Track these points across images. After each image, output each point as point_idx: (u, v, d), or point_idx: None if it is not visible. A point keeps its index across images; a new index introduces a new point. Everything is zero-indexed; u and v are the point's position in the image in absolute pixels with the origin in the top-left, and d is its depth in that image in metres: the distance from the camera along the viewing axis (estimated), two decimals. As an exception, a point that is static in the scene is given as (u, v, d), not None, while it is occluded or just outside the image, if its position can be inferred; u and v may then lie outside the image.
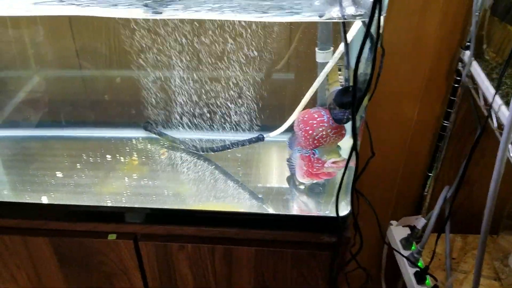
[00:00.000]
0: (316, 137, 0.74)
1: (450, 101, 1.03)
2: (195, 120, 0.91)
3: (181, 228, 0.84)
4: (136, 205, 0.84)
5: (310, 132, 0.74)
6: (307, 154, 0.77)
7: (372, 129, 0.78)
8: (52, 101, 1.02)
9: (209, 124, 0.91)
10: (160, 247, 0.85)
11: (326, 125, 0.73)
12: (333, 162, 0.74)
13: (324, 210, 0.80)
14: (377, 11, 0.52)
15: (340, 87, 0.70)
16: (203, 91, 0.88)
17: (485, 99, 0.87)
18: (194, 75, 0.87)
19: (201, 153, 0.95)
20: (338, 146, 0.76)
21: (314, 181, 0.84)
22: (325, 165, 0.75)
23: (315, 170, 0.77)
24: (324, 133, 0.73)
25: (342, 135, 0.74)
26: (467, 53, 0.94)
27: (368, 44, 0.58)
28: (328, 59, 0.78)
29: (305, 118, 0.75)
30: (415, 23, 0.97)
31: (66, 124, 1.03)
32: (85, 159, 0.94)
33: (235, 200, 0.86)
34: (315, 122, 0.74)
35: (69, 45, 0.94)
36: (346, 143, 0.79)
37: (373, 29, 0.54)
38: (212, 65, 0.84)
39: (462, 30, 0.97)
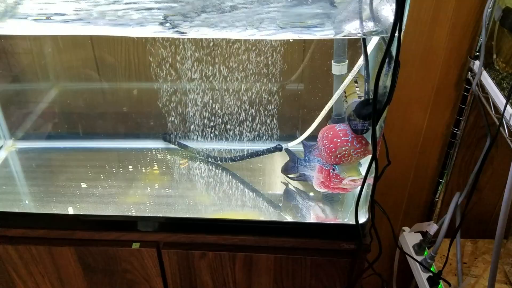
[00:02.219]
0: (339, 156, 0.75)
1: (460, 109, 1.06)
2: (213, 131, 0.94)
3: (202, 236, 0.86)
4: (159, 214, 0.86)
5: (333, 150, 0.75)
6: (326, 168, 0.78)
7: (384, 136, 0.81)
8: (74, 113, 1.04)
9: (227, 134, 0.94)
10: (182, 255, 0.87)
11: (349, 145, 0.74)
12: (352, 180, 0.76)
13: (343, 218, 0.83)
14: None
15: (359, 99, 0.72)
16: (221, 102, 0.91)
17: (496, 108, 0.90)
18: (212, 86, 0.89)
19: (220, 163, 0.97)
20: (359, 162, 0.78)
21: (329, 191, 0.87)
22: (343, 181, 0.76)
23: (332, 184, 0.78)
24: (346, 152, 0.74)
25: (365, 154, 0.75)
26: (477, 62, 0.97)
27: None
28: (344, 71, 0.81)
29: (329, 135, 0.76)
30: (425, 33, 1.00)
31: (88, 135, 1.05)
32: (108, 169, 0.97)
33: (255, 209, 0.88)
34: (339, 140, 0.74)
35: (89, 57, 0.97)
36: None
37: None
38: (230, 77, 0.87)
39: (471, 40, 1.00)
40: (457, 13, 0.97)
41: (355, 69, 0.72)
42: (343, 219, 0.83)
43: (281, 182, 0.94)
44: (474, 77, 0.98)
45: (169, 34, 0.67)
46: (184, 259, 0.88)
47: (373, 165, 0.66)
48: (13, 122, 1.04)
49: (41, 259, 0.89)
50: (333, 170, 0.77)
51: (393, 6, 0.54)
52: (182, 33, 0.67)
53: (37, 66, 1.00)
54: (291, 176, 0.91)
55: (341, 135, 0.75)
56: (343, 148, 0.74)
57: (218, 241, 0.86)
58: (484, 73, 0.94)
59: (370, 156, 0.68)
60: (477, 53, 0.97)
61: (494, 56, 0.92)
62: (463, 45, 1.01)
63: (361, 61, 0.70)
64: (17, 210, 0.88)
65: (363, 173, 0.74)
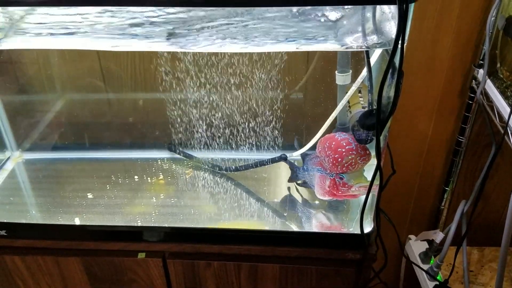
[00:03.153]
0: (346, 165, 0.75)
1: (464, 117, 1.06)
2: (218, 141, 0.95)
3: (207, 246, 0.86)
4: (164, 225, 0.87)
5: (340, 159, 0.75)
6: (331, 177, 0.78)
7: (389, 144, 0.81)
8: (80, 123, 1.05)
9: (232, 144, 0.95)
10: (187, 264, 0.88)
11: (355, 153, 0.75)
12: (361, 187, 0.76)
13: (348, 227, 0.83)
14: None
15: (363, 109, 0.73)
16: (226, 112, 0.91)
17: (500, 116, 0.90)
18: (217, 96, 0.90)
19: (225, 172, 0.98)
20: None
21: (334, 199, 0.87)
22: (352, 189, 0.76)
23: (340, 192, 0.78)
24: (353, 161, 0.75)
25: (369, 159, 0.76)
26: (481, 71, 0.97)
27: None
28: (347, 81, 0.81)
29: (332, 145, 0.76)
30: (429, 41, 1.00)
31: (94, 145, 1.06)
32: (114, 179, 0.98)
33: (259, 218, 0.88)
34: (344, 150, 0.75)
35: (95, 67, 0.98)
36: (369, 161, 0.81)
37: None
38: (234, 88, 0.88)
39: (474, 48, 1.00)
40: (461, 22, 0.97)
41: (359, 79, 0.72)
42: (348, 229, 0.83)
43: (286, 191, 0.94)
44: (478, 85, 0.98)
45: (172, 48, 0.68)
46: (190, 269, 0.88)
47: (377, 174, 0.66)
48: (20, 133, 1.05)
49: (48, 269, 0.90)
50: (341, 179, 0.77)
51: (396, 19, 0.55)
52: (184, 46, 0.68)
53: (43, 77, 1.01)
54: (299, 183, 0.92)
55: (344, 144, 0.75)
56: (349, 157, 0.75)
57: (223, 250, 0.86)
58: (488, 82, 0.94)
59: (375, 164, 0.69)
60: (481, 62, 0.97)
61: (498, 65, 0.93)
62: (466, 54, 1.01)
63: (365, 72, 0.71)
64: (24, 221, 0.89)
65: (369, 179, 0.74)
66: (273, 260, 0.85)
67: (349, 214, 0.87)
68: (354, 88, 0.74)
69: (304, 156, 0.88)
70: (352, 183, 0.76)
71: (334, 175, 0.78)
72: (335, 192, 0.79)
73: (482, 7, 0.95)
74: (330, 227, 0.85)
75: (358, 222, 0.76)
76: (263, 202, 0.92)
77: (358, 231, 0.78)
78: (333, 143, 0.76)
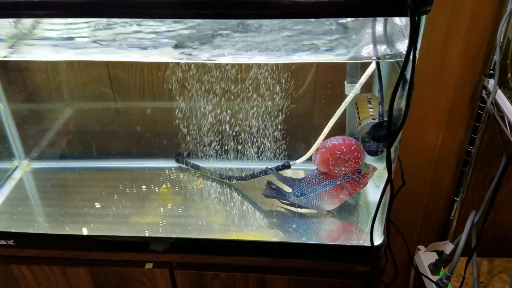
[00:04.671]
0: (361, 156, 0.80)
1: (474, 127, 1.05)
2: (224, 150, 0.94)
3: (215, 257, 0.86)
4: (172, 235, 0.86)
5: (359, 155, 0.79)
6: (348, 179, 0.82)
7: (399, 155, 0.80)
8: (88, 132, 1.05)
9: (237, 153, 0.94)
10: (194, 275, 0.87)
11: (355, 145, 0.79)
12: (373, 169, 0.81)
13: (358, 240, 0.82)
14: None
15: (373, 121, 0.72)
16: (232, 122, 0.91)
17: (511, 126, 0.89)
18: (225, 106, 0.90)
19: (231, 182, 0.97)
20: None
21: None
22: (368, 175, 0.81)
23: (361, 185, 0.82)
24: (360, 150, 0.79)
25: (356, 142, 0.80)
26: (491, 81, 0.96)
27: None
28: (356, 91, 0.81)
29: (343, 150, 0.79)
30: (439, 51, 0.99)
31: (102, 155, 1.06)
32: (121, 189, 0.97)
33: (267, 229, 0.87)
34: (354, 145, 0.79)
35: (104, 76, 0.98)
36: (380, 173, 0.81)
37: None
38: (240, 98, 0.87)
39: (484, 58, 0.99)
40: (471, 31, 0.96)
41: (357, 86, 0.72)
42: (358, 241, 0.82)
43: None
44: (488, 95, 0.97)
45: (181, 59, 0.68)
46: (197, 279, 0.87)
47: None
48: (28, 142, 1.06)
49: (55, 279, 0.89)
50: (359, 172, 0.81)
51: (407, 30, 0.55)
52: (192, 56, 0.67)
53: (52, 87, 1.01)
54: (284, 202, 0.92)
55: (347, 143, 0.79)
56: (359, 149, 0.79)
57: (230, 261, 0.86)
58: (499, 92, 0.93)
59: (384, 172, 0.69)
60: (491, 72, 0.97)
61: (509, 75, 0.92)
62: (476, 63, 1.00)
63: (363, 79, 0.70)
64: (31, 231, 0.89)
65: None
66: (281, 271, 0.85)
67: (359, 226, 0.86)
68: (351, 95, 0.74)
69: (291, 183, 0.88)
70: (366, 171, 0.81)
71: (350, 174, 0.81)
72: (358, 187, 0.82)
73: (492, 16, 0.94)
74: (339, 239, 0.84)
75: (367, 234, 0.76)
76: (270, 213, 0.91)
77: (367, 243, 0.77)
78: (342, 148, 0.79)
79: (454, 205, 1.17)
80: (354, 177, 0.81)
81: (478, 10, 0.94)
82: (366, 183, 0.83)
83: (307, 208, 0.88)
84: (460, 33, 0.97)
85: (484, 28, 0.96)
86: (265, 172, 0.92)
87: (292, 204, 0.89)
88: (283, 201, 0.90)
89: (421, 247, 1.17)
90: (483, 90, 1.00)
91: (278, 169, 0.93)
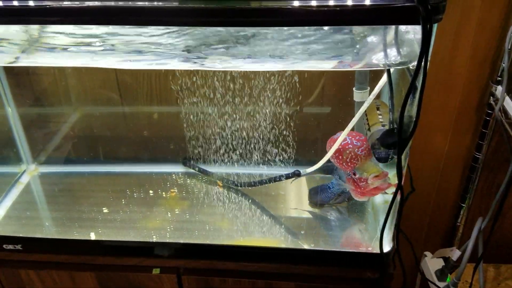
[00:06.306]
0: (348, 160, 0.79)
1: (481, 133, 1.05)
2: (233, 156, 0.94)
3: (222, 263, 0.86)
4: (179, 240, 0.86)
5: (340, 157, 0.79)
6: (349, 177, 0.81)
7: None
8: (95, 137, 1.06)
9: (246, 159, 0.94)
10: (201, 281, 0.87)
11: (351, 146, 0.78)
12: (375, 177, 0.78)
13: (366, 246, 0.82)
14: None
15: (382, 127, 0.72)
16: (241, 127, 0.91)
17: (519, 134, 0.89)
18: (232, 111, 0.90)
19: (239, 187, 0.97)
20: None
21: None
22: (368, 181, 0.78)
23: (362, 188, 0.80)
24: (352, 154, 0.78)
25: (368, 147, 0.78)
26: (499, 87, 0.96)
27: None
28: (365, 98, 0.81)
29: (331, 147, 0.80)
30: (446, 57, 0.99)
31: (109, 159, 1.07)
32: (129, 194, 0.97)
33: (275, 235, 0.87)
34: (340, 147, 0.79)
35: (111, 81, 0.98)
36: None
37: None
38: (249, 103, 0.87)
39: (492, 65, 0.99)
40: (478, 38, 0.96)
41: (371, 96, 0.72)
42: (366, 248, 0.82)
43: (302, 208, 0.93)
44: (496, 102, 0.97)
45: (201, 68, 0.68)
46: (204, 285, 0.87)
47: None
48: (36, 146, 1.06)
49: (62, 284, 0.90)
50: (354, 174, 0.80)
51: (418, 36, 0.55)
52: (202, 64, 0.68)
53: (60, 91, 1.01)
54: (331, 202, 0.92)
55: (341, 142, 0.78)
56: (347, 152, 0.78)
57: (238, 267, 0.85)
58: (507, 99, 0.93)
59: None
60: (499, 78, 0.96)
61: (517, 82, 0.92)
62: (484, 70, 1.00)
63: (377, 89, 0.70)
64: (39, 236, 0.89)
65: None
66: (288, 278, 0.85)
67: (367, 232, 0.86)
68: (367, 104, 0.73)
69: (331, 168, 0.88)
70: (366, 176, 0.78)
71: (351, 174, 0.80)
72: (359, 190, 0.81)
73: (500, 23, 0.94)
74: (348, 246, 0.84)
75: (375, 241, 0.76)
76: (279, 219, 0.91)
77: (376, 250, 0.77)
78: (331, 144, 0.79)
79: (460, 211, 1.17)
80: (352, 176, 0.80)
81: (486, 16, 0.94)
82: (373, 191, 0.81)
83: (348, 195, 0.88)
84: (468, 40, 0.97)
85: (492, 34, 0.95)
86: (274, 179, 0.92)
87: (340, 196, 0.90)
88: (331, 199, 0.91)
89: (427, 253, 1.17)
90: (491, 97, 1.00)
91: (288, 177, 0.92)
